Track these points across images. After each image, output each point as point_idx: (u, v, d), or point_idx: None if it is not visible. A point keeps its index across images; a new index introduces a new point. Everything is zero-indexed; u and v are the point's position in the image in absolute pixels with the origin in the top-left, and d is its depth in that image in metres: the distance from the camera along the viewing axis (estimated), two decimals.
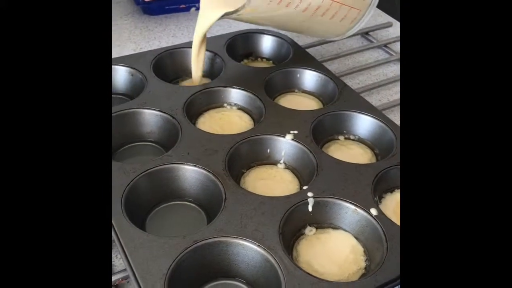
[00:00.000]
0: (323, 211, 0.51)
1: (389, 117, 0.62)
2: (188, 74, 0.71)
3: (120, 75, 0.68)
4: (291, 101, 0.67)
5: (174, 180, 0.54)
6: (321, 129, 0.61)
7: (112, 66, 0.67)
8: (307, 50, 0.78)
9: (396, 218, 0.50)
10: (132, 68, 0.67)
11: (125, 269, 0.47)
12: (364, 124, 0.62)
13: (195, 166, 0.53)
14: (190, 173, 0.53)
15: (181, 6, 0.94)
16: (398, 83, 0.78)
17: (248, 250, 0.46)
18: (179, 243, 0.45)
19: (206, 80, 0.70)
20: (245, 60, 0.77)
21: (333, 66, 0.81)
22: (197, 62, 0.65)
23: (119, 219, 0.47)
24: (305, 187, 0.52)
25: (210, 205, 0.52)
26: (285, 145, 0.58)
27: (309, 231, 0.50)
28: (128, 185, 0.50)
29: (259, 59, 0.77)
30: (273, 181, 0.56)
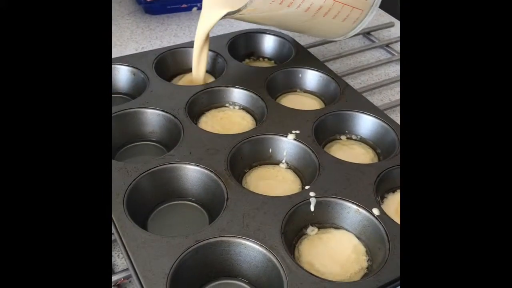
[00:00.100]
0: (325, 211, 0.51)
1: (391, 117, 0.62)
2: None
3: (122, 75, 0.68)
4: (293, 101, 0.67)
5: (176, 180, 0.54)
6: (323, 129, 0.61)
7: (114, 66, 0.67)
8: (309, 50, 0.78)
9: (398, 218, 0.50)
10: (134, 67, 0.67)
11: (127, 269, 0.47)
12: (366, 124, 0.62)
13: (197, 165, 0.53)
14: (192, 173, 0.53)
15: (183, 5, 0.94)
16: None
17: (250, 250, 0.46)
18: (181, 242, 0.45)
19: (209, 77, 0.70)
20: (247, 60, 0.77)
21: (335, 66, 0.81)
22: (198, 62, 0.65)
23: (121, 219, 0.47)
24: (307, 187, 0.52)
25: (212, 204, 0.52)
26: (287, 145, 0.58)
27: (311, 230, 0.50)
28: (130, 184, 0.50)
29: (261, 58, 0.77)
30: (275, 181, 0.56)
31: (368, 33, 0.91)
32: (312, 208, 0.50)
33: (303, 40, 0.83)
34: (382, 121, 0.61)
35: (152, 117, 0.61)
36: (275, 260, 0.44)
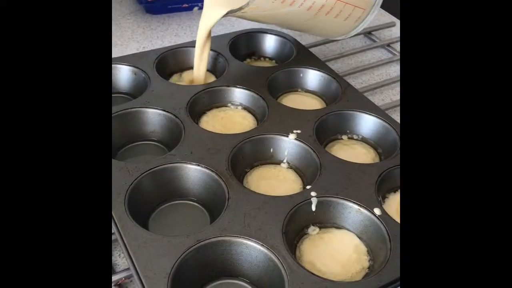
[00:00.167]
0: (327, 210, 0.51)
1: (392, 117, 0.62)
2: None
3: (123, 74, 0.68)
4: (294, 101, 0.67)
5: (177, 179, 0.53)
6: (324, 129, 0.60)
7: (115, 65, 0.67)
8: (310, 49, 0.78)
9: (399, 218, 0.50)
10: (135, 67, 0.67)
11: (128, 268, 0.47)
12: (367, 123, 0.62)
13: (198, 165, 0.53)
14: (193, 173, 0.53)
15: (184, 5, 0.94)
16: None
17: (252, 250, 0.46)
18: (182, 242, 0.45)
19: (210, 76, 0.70)
20: (248, 60, 0.76)
21: (336, 66, 0.81)
22: (200, 61, 0.65)
23: (122, 218, 0.47)
24: (308, 187, 0.52)
25: (213, 204, 0.52)
26: (288, 145, 0.58)
27: (313, 230, 0.50)
28: (131, 184, 0.50)
29: (262, 58, 0.77)
30: (276, 181, 0.56)
31: (369, 32, 0.91)
32: (313, 207, 0.50)
33: (304, 40, 0.83)
34: (384, 121, 0.61)
35: (153, 117, 0.61)
36: (276, 260, 0.44)
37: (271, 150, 0.58)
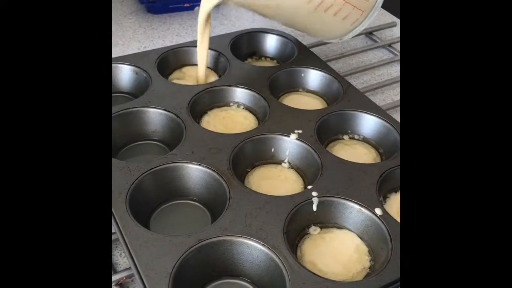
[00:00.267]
0: (328, 210, 0.51)
1: (393, 117, 0.62)
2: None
3: (125, 74, 0.68)
4: (295, 101, 0.67)
5: (179, 179, 0.54)
6: (325, 129, 0.60)
7: (117, 65, 0.67)
8: (312, 49, 0.78)
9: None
10: (136, 66, 0.67)
11: (129, 268, 0.47)
12: (368, 123, 0.62)
13: (199, 165, 0.53)
14: (194, 172, 0.53)
15: (185, 5, 0.94)
16: None
17: (253, 249, 0.46)
18: (183, 241, 0.45)
19: (213, 74, 0.71)
20: (249, 59, 0.76)
21: (337, 66, 0.81)
22: (201, 45, 0.65)
23: (123, 218, 0.47)
24: (309, 187, 0.52)
25: (214, 204, 0.52)
26: (290, 145, 0.58)
27: (314, 230, 0.50)
28: (132, 183, 0.50)
29: (263, 58, 0.77)
30: (277, 181, 0.56)
31: (371, 33, 0.91)
32: (314, 207, 0.50)
33: (306, 40, 0.83)
34: (385, 121, 0.61)
35: (155, 116, 0.61)
36: (277, 260, 0.44)
37: (272, 150, 0.58)
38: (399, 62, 0.84)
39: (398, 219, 0.49)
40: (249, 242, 0.46)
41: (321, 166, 0.54)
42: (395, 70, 0.82)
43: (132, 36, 0.87)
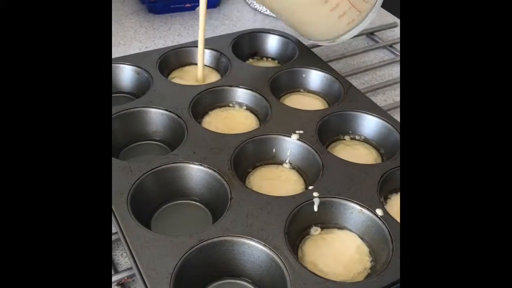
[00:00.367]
0: (329, 211, 0.51)
1: (395, 118, 0.62)
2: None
3: (126, 74, 0.68)
4: (297, 101, 0.67)
5: (180, 179, 0.54)
6: (326, 129, 0.61)
7: (118, 65, 0.68)
8: (313, 50, 0.78)
9: None
10: (137, 67, 0.67)
11: (131, 268, 0.47)
12: (369, 124, 0.62)
13: (200, 165, 0.53)
14: (195, 172, 0.53)
15: (186, 5, 0.94)
16: None
17: (254, 250, 0.46)
18: (185, 242, 0.45)
19: (215, 73, 0.71)
20: (251, 60, 0.77)
21: (338, 66, 0.81)
22: (201, 46, 0.66)
23: (125, 218, 0.47)
24: (310, 187, 0.52)
25: (215, 204, 0.52)
26: (291, 145, 0.58)
27: (315, 231, 0.50)
28: (134, 183, 0.50)
29: (264, 58, 0.77)
30: (278, 181, 0.56)
31: (372, 33, 0.91)
32: (315, 208, 0.50)
33: (307, 41, 0.83)
34: (386, 121, 0.61)
35: (156, 117, 0.61)
36: (278, 260, 0.44)
37: (274, 150, 0.58)
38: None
39: (399, 220, 0.49)
40: (250, 242, 0.46)
41: (322, 167, 0.54)
42: (396, 71, 0.82)
43: (133, 36, 0.87)
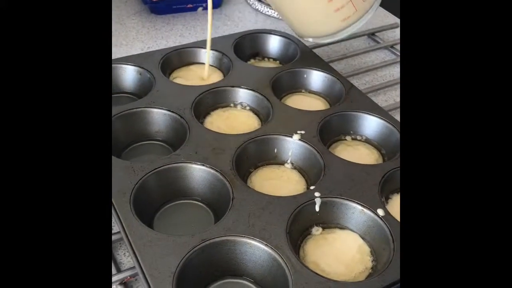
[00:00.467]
0: (330, 211, 0.51)
1: (396, 118, 0.63)
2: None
3: (128, 74, 0.68)
4: (298, 101, 0.68)
5: (182, 179, 0.54)
6: (328, 130, 0.61)
7: (120, 65, 0.68)
8: (314, 50, 0.78)
9: None
10: (140, 67, 0.68)
11: (133, 267, 0.48)
12: (371, 124, 0.62)
13: (203, 165, 0.53)
14: (198, 172, 0.54)
15: (188, 5, 0.94)
16: None
17: (256, 249, 0.46)
18: (187, 241, 0.45)
19: (218, 73, 0.71)
20: (252, 60, 0.77)
21: (339, 67, 0.81)
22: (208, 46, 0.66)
23: (127, 218, 0.47)
24: (312, 187, 0.52)
25: (217, 204, 0.52)
26: (292, 145, 0.58)
27: (316, 230, 0.51)
28: (136, 183, 0.51)
29: (266, 59, 0.78)
30: (280, 181, 0.56)
31: (373, 34, 0.91)
32: (317, 208, 0.50)
33: (308, 41, 0.83)
34: (387, 121, 0.61)
35: (158, 117, 0.61)
36: (280, 260, 0.44)
37: (275, 150, 0.59)
38: None
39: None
40: (252, 242, 0.46)
41: (324, 167, 0.54)
42: (397, 71, 0.82)
43: (135, 36, 0.87)
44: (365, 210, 0.50)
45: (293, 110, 0.63)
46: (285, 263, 0.44)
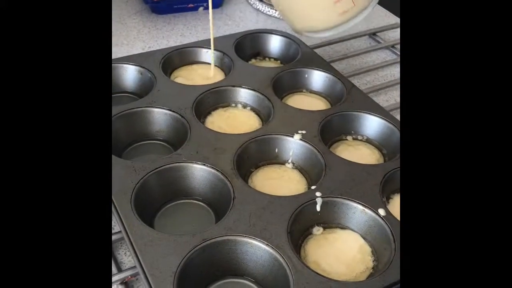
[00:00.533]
0: (331, 211, 0.51)
1: (397, 118, 0.63)
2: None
3: (129, 74, 0.68)
4: (299, 101, 0.68)
5: (183, 179, 0.54)
6: (329, 129, 0.61)
7: (121, 65, 0.68)
8: (315, 50, 0.78)
9: None
10: (141, 67, 0.68)
11: (134, 267, 0.48)
12: (372, 124, 0.62)
13: (203, 165, 0.53)
14: (199, 172, 0.54)
15: (189, 5, 0.94)
16: None
17: (257, 249, 0.46)
18: (188, 241, 0.45)
19: (221, 72, 0.71)
20: (253, 60, 0.77)
21: (340, 67, 0.81)
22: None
23: (128, 217, 0.47)
24: (313, 187, 0.52)
25: (218, 204, 0.52)
26: (293, 145, 0.58)
27: (317, 230, 0.51)
28: (137, 183, 0.51)
29: (267, 59, 0.78)
30: (281, 181, 0.56)
31: (374, 34, 0.91)
32: (318, 208, 0.50)
33: (309, 41, 0.83)
34: (388, 121, 0.61)
35: (159, 116, 0.61)
36: (281, 260, 0.44)
37: (276, 150, 0.59)
38: None
39: None
40: (253, 241, 0.46)
41: (325, 167, 0.54)
42: (398, 71, 0.82)
43: (136, 36, 0.87)
44: (366, 210, 0.50)
45: (294, 110, 0.63)
46: (286, 263, 0.44)
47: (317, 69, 0.70)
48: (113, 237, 0.51)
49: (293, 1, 0.68)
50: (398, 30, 0.93)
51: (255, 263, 0.46)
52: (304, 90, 0.71)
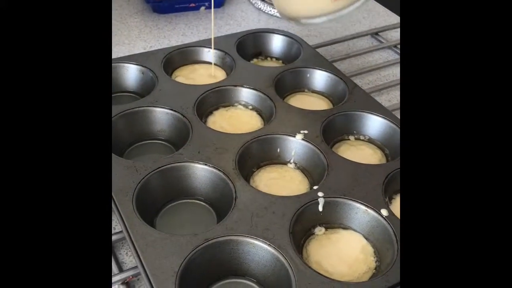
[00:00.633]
0: (333, 211, 0.51)
1: (399, 118, 0.62)
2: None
3: (131, 73, 0.68)
4: (301, 101, 0.67)
5: (185, 179, 0.54)
6: (331, 129, 0.61)
7: (123, 64, 0.68)
8: (317, 50, 0.78)
9: None
10: (142, 66, 0.68)
11: (136, 267, 0.47)
12: (374, 124, 0.62)
13: (205, 164, 0.53)
14: (200, 172, 0.53)
15: (191, 5, 0.94)
16: None
17: (259, 249, 0.46)
18: (190, 241, 0.45)
19: (223, 72, 0.71)
20: (255, 60, 0.77)
21: (342, 66, 0.81)
22: None
23: (130, 217, 0.47)
24: (315, 187, 0.52)
25: (220, 203, 0.52)
26: (295, 145, 0.58)
27: (319, 231, 0.50)
28: (139, 183, 0.50)
29: (269, 58, 0.78)
30: (283, 181, 0.56)
31: (376, 33, 0.91)
32: (320, 208, 0.50)
33: (311, 40, 0.83)
34: (390, 121, 0.61)
35: (161, 116, 0.61)
36: (283, 260, 0.44)
37: (278, 150, 0.58)
38: None
39: None
40: (255, 242, 0.46)
41: (327, 167, 0.54)
42: None
43: (138, 35, 0.87)
44: (369, 210, 0.50)
45: (296, 109, 0.63)
46: (288, 263, 0.44)
47: (319, 69, 0.70)
48: (115, 237, 0.51)
49: None
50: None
51: (257, 263, 0.46)
52: (306, 90, 0.71)
